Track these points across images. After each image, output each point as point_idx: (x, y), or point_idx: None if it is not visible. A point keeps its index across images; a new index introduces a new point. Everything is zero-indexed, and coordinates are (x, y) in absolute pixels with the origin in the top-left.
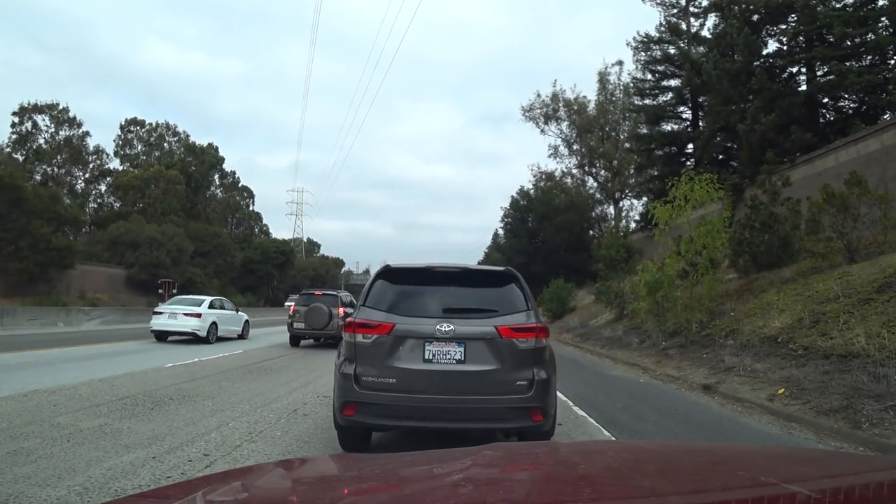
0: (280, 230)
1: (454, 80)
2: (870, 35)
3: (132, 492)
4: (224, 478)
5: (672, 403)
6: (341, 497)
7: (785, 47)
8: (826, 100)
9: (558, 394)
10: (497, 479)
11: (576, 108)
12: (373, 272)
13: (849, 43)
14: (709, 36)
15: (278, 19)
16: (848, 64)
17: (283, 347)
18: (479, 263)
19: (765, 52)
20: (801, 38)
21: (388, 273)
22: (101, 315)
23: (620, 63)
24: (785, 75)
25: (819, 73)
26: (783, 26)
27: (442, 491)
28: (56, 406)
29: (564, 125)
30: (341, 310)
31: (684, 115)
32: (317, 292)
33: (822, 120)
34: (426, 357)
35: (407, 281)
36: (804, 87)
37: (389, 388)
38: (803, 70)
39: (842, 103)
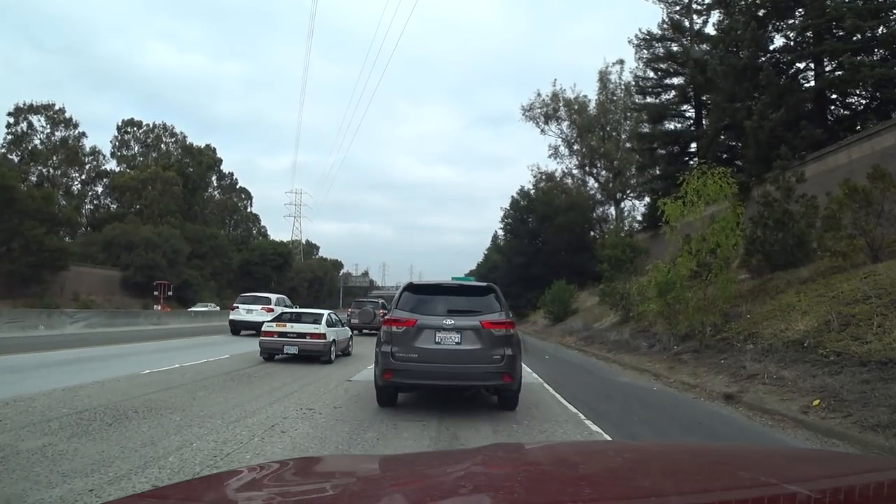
0: (280, 232)
1: (454, 82)
2: (881, 28)
3: None
4: (224, 478)
5: (693, 415)
6: (342, 497)
7: (792, 42)
8: (834, 96)
9: (568, 405)
10: (497, 478)
11: (576, 107)
12: (371, 274)
13: (859, 37)
14: (712, 33)
15: (279, 21)
16: (860, 58)
17: None
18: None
19: (771, 48)
20: (808, 34)
21: (411, 287)
22: (85, 318)
23: (621, 62)
24: (792, 71)
25: (828, 69)
26: (790, 21)
27: (442, 490)
28: (1, 421)
29: (565, 125)
30: (381, 311)
31: (687, 114)
32: (363, 300)
33: (829, 117)
34: (436, 340)
35: (423, 292)
36: (812, 83)
37: (413, 360)
38: (811, 66)
39: (851, 99)
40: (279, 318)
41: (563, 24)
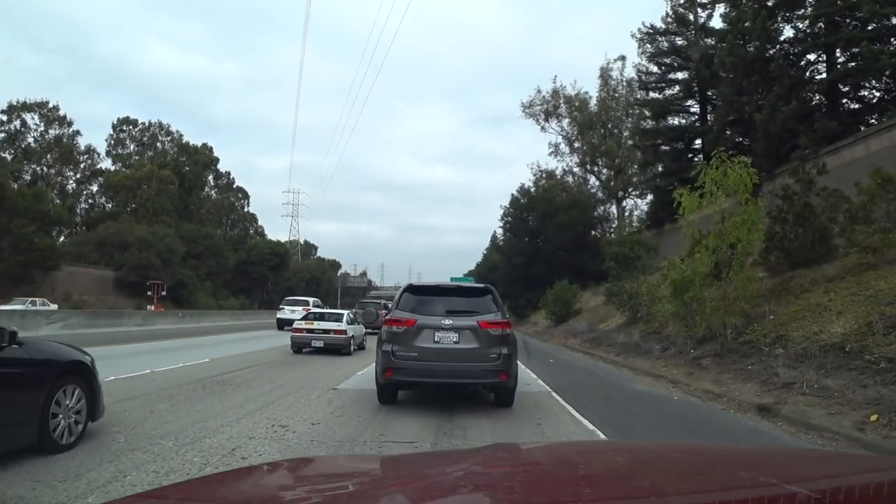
0: (279, 232)
1: (453, 82)
2: None
3: None
4: (224, 478)
5: (727, 431)
6: (342, 496)
7: (802, 33)
8: (846, 88)
9: (582, 420)
10: (497, 478)
11: (577, 104)
12: (370, 274)
13: (875, 24)
14: (717, 27)
15: (278, 22)
16: (877, 46)
17: (258, 355)
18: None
19: (780, 39)
20: (820, 24)
21: (411, 288)
22: (62, 318)
23: (622, 58)
24: (802, 63)
25: (841, 60)
26: (800, 11)
27: (442, 490)
28: None
29: (565, 122)
30: (383, 311)
31: (692, 109)
32: (366, 300)
33: (840, 110)
34: (435, 340)
35: (423, 293)
36: (824, 75)
37: (413, 358)
38: (822, 57)
39: (863, 92)
40: (306, 317)
41: (563, 24)
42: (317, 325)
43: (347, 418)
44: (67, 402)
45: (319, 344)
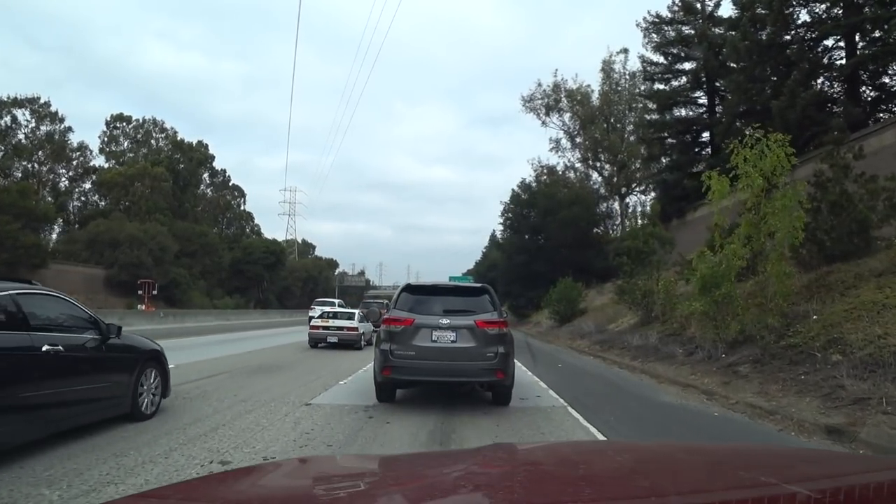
0: (276, 232)
1: (453, 82)
2: None
3: None
4: (224, 478)
5: None
6: (342, 497)
7: (818, 18)
8: (865, 75)
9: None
10: (497, 478)
11: (578, 98)
12: (368, 274)
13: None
14: (725, 16)
15: (278, 21)
16: None
17: (234, 360)
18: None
19: (798, 23)
20: (839, 8)
21: (409, 288)
22: None
23: (625, 51)
24: (819, 49)
25: (861, 45)
26: None
27: (442, 490)
28: None
29: (567, 116)
30: (384, 311)
31: (700, 101)
32: (368, 300)
33: (860, 97)
34: (433, 339)
35: (421, 293)
36: (842, 61)
37: (411, 357)
38: (840, 44)
39: (884, 79)
40: (322, 316)
41: (563, 23)
42: (332, 322)
43: (313, 448)
44: (149, 382)
45: (334, 340)
